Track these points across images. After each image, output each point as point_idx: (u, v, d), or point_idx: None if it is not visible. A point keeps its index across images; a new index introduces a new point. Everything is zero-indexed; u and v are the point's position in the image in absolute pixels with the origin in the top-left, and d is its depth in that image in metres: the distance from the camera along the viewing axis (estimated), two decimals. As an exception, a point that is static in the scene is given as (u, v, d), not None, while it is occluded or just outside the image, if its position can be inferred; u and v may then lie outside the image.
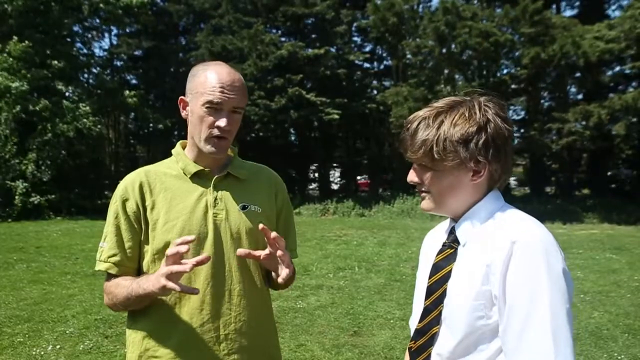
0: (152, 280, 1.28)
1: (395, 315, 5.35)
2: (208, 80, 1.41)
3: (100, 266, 1.45)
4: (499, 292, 1.04)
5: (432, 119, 1.13)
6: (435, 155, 1.11)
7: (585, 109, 15.77)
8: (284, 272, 1.37)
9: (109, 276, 1.47)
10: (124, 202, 1.45)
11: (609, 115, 15.54)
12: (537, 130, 17.64)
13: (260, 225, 1.35)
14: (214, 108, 1.41)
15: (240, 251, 1.36)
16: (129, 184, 1.47)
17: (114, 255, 1.44)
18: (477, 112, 1.12)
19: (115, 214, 1.46)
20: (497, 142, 1.11)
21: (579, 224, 15.28)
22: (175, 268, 1.21)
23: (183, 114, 1.50)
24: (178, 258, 1.23)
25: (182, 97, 1.50)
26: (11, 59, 16.77)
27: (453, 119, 1.11)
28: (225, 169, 1.53)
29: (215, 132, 1.42)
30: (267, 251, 1.36)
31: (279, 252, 1.36)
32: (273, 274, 1.50)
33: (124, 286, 1.39)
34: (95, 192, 19.51)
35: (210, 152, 1.45)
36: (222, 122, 1.41)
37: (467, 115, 1.11)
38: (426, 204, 1.21)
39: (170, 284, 1.22)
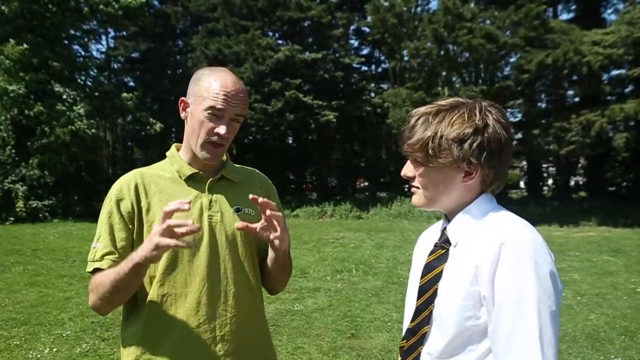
0: (143, 246, 1.25)
1: (393, 318, 5.35)
2: (213, 86, 1.41)
3: (96, 265, 1.40)
4: (487, 293, 1.05)
5: (433, 115, 1.15)
6: (430, 151, 1.13)
7: (586, 118, 15.78)
8: (283, 241, 1.37)
9: (98, 271, 1.41)
10: (119, 202, 1.44)
11: (609, 125, 15.59)
12: (535, 133, 17.68)
13: (238, 224, 1.35)
14: (215, 114, 1.41)
15: (239, 224, 1.36)
16: (124, 184, 1.46)
17: (110, 252, 1.41)
18: (477, 114, 1.13)
19: (109, 213, 1.44)
20: (492, 146, 1.11)
21: (576, 227, 15.31)
22: (174, 222, 1.18)
23: (182, 114, 1.50)
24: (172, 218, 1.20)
25: (183, 98, 1.50)
26: (8, 62, 16.73)
27: (452, 118, 1.13)
28: (219, 172, 1.54)
29: (214, 138, 1.43)
30: (261, 222, 1.37)
31: (268, 212, 1.34)
32: (270, 255, 1.49)
33: (111, 272, 1.34)
34: (92, 194, 19.45)
35: (205, 159, 1.46)
36: (221, 130, 1.41)
37: (466, 116, 1.12)
38: (416, 198, 1.23)
39: (165, 240, 1.18)
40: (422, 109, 1.18)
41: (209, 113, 1.41)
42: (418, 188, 1.21)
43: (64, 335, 4.82)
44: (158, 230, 1.20)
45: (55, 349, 4.43)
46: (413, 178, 1.21)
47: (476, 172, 1.14)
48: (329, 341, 4.67)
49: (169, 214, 1.20)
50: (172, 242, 1.18)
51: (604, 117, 15.42)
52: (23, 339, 4.71)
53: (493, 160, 1.13)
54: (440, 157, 1.13)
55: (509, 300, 1.02)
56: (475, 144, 1.11)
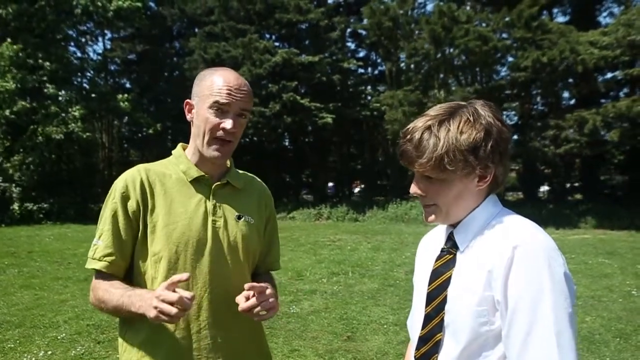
0: (144, 303, 1.25)
1: (389, 320, 5.34)
2: (215, 82, 1.41)
3: (95, 265, 1.39)
4: (501, 298, 1.03)
5: (436, 127, 1.09)
6: (447, 166, 1.08)
7: (580, 116, 15.86)
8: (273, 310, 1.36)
9: (99, 275, 1.41)
10: (124, 199, 1.40)
11: (603, 122, 15.66)
12: (531, 135, 17.76)
13: (247, 285, 1.33)
14: (220, 109, 1.40)
15: (242, 306, 1.33)
16: (129, 180, 1.43)
17: (110, 254, 1.39)
18: (480, 117, 1.10)
19: (113, 210, 1.40)
20: (501, 145, 1.10)
21: (572, 229, 15.36)
22: (167, 309, 1.18)
23: (188, 117, 1.49)
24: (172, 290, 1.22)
25: (188, 100, 1.49)
26: (2, 61, 16.69)
27: (458, 125, 1.08)
28: (224, 177, 1.52)
29: (220, 133, 1.41)
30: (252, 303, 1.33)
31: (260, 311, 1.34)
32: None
33: (115, 295, 1.34)
34: (88, 196, 19.38)
35: (213, 157, 1.43)
36: (228, 124, 1.40)
37: (471, 120, 1.09)
38: (433, 217, 1.17)
39: (162, 317, 1.20)
40: (421, 123, 1.12)
41: (214, 109, 1.40)
42: (433, 205, 1.16)
43: (58, 338, 4.79)
44: (155, 306, 1.20)
45: (50, 352, 4.41)
46: (423, 196, 1.16)
47: (490, 174, 1.11)
48: (325, 344, 4.66)
49: (173, 285, 1.22)
50: (166, 319, 1.20)
51: (598, 114, 15.49)
52: (18, 341, 4.68)
53: (502, 158, 1.12)
54: (457, 169, 1.09)
55: (525, 304, 1.00)
56: (488, 147, 1.08)
